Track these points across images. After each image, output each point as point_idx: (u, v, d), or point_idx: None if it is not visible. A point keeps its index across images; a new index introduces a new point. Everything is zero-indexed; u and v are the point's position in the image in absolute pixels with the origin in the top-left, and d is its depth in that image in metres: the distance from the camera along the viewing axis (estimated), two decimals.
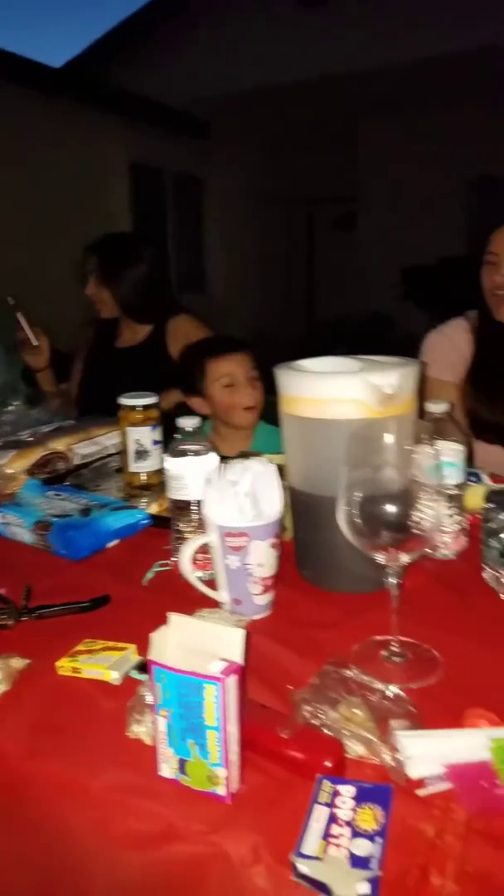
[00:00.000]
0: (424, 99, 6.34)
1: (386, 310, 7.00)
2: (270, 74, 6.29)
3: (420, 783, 0.58)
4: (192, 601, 0.85)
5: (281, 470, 0.92)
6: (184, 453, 0.93)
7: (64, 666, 0.74)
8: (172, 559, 0.97)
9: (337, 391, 0.83)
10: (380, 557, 0.72)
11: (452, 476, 0.96)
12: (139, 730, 0.64)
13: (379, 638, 0.77)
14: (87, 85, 6.24)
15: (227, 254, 7.76)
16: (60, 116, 5.55)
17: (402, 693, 0.65)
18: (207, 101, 6.70)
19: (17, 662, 0.74)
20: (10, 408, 1.52)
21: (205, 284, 7.71)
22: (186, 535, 0.93)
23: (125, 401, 1.24)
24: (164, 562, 0.99)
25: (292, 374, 0.88)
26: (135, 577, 0.97)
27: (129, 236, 2.43)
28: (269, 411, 0.95)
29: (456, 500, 0.98)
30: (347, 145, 7.35)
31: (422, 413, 0.95)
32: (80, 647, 0.77)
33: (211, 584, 0.88)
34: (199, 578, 0.88)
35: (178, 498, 0.95)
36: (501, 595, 0.84)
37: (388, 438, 0.70)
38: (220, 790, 0.57)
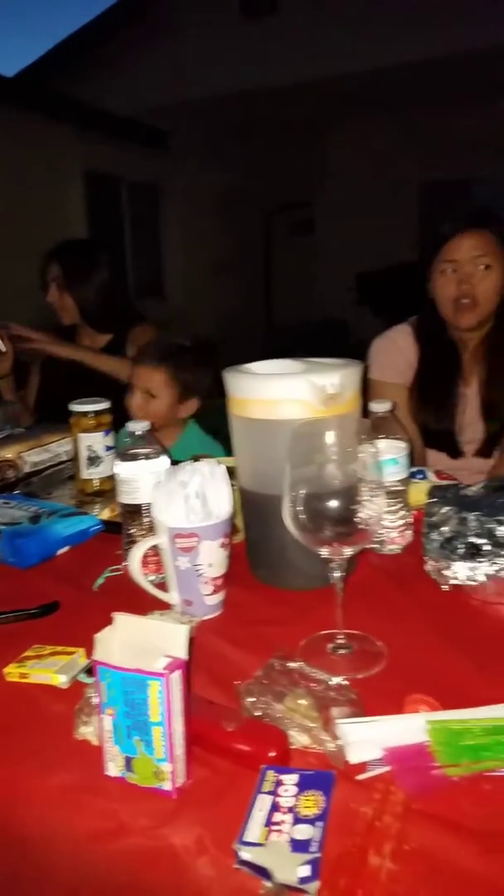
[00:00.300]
0: (378, 105, 6.48)
1: (342, 314, 7.11)
2: (222, 83, 6.36)
3: (362, 768, 0.59)
4: (144, 604, 0.86)
5: (232, 471, 0.94)
6: (134, 457, 0.94)
7: (11, 672, 0.74)
8: (124, 564, 0.97)
9: (282, 392, 0.85)
10: (324, 552, 0.74)
11: (396, 473, 0.99)
12: (86, 731, 0.64)
13: (325, 632, 0.79)
14: (40, 94, 6.20)
15: (185, 260, 7.79)
16: (14, 126, 5.50)
17: (344, 682, 0.67)
18: (162, 110, 6.74)
19: None
20: None
21: (164, 291, 7.71)
22: (137, 539, 0.94)
23: (77, 407, 1.24)
24: (116, 567, 0.99)
25: (239, 376, 0.90)
26: (86, 583, 0.97)
27: (89, 242, 2.43)
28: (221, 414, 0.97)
29: (401, 496, 1.00)
30: (303, 152, 7.46)
31: (365, 412, 0.98)
32: (28, 653, 0.77)
33: (162, 586, 0.88)
34: (151, 581, 0.89)
35: (129, 502, 0.95)
36: (443, 586, 0.87)
37: (330, 437, 0.72)
38: (166, 785, 0.58)
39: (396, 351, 1.62)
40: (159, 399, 1.74)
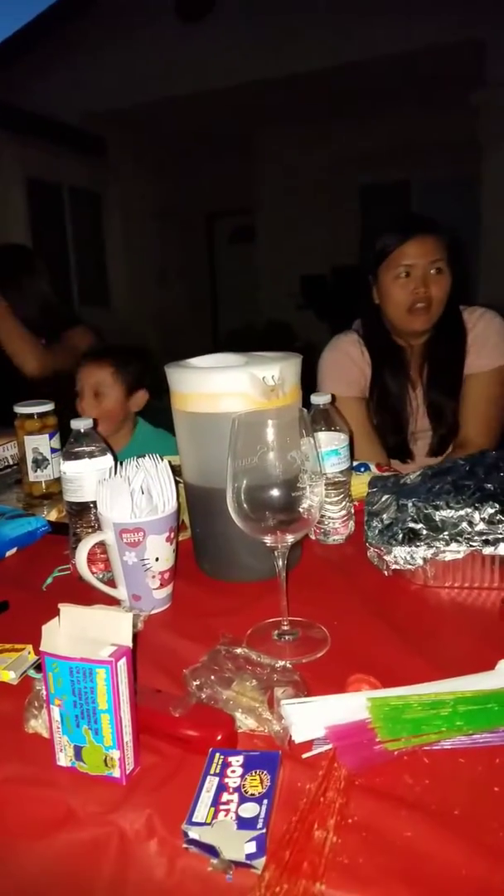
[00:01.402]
0: (314, 109, 6.59)
1: (285, 318, 7.19)
2: (159, 88, 6.37)
3: (307, 747, 0.61)
4: (92, 601, 0.84)
5: (177, 469, 0.95)
6: (78, 455, 0.94)
7: None
8: (72, 563, 0.97)
9: (223, 385, 0.87)
10: (268, 540, 0.75)
11: (337, 464, 1.02)
12: (36, 724, 0.64)
13: (271, 620, 0.81)
14: None
15: (129, 268, 7.74)
16: None
17: (289, 666, 0.69)
18: (99, 116, 6.70)
19: None
20: None
21: (109, 299, 7.64)
22: (84, 537, 0.94)
23: (21, 409, 1.23)
24: (64, 567, 0.99)
25: (180, 371, 0.91)
26: (34, 583, 0.97)
27: (23, 248, 2.39)
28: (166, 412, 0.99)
29: (343, 488, 1.03)
30: (242, 157, 7.52)
31: (307, 405, 1.00)
32: None
33: (111, 583, 0.89)
34: (99, 579, 0.89)
35: (75, 500, 0.95)
36: (384, 572, 0.90)
37: (271, 428, 0.74)
38: (115, 772, 0.59)
39: (347, 361, 1.61)
40: (108, 396, 1.76)
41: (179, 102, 6.45)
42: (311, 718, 0.62)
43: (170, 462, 0.90)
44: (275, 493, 0.73)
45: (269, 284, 7.85)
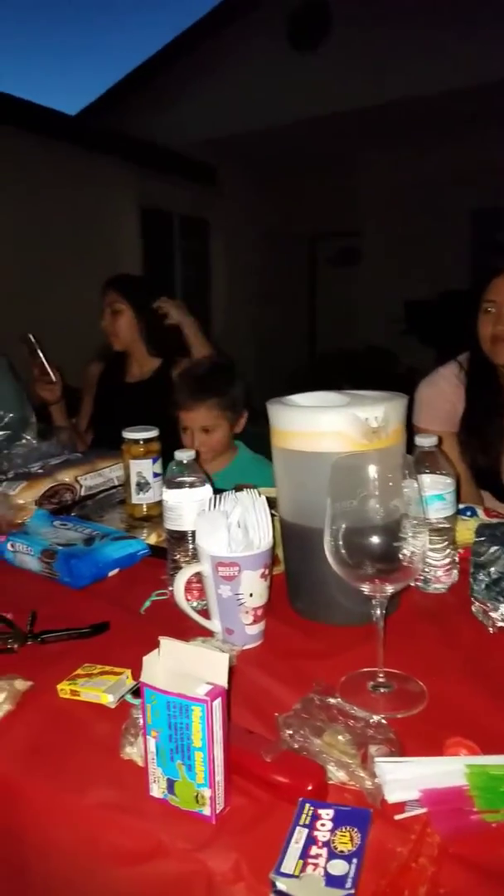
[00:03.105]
0: (424, 134, 6.53)
1: (386, 344, 7.08)
2: (268, 116, 6.52)
3: (399, 808, 0.60)
4: (187, 630, 0.88)
5: (273, 502, 0.96)
6: (180, 485, 0.97)
7: (64, 689, 0.77)
8: (169, 589, 1.00)
9: (324, 425, 0.87)
10: (365, 588, 0.74)
11: (442, 509, 0.99)
12: (131, 751, 0.66)
13: (366, 670, 0.79)
14: (100, 132, 6.48)
15: (230, 291, 7.93)
16: (76, 163, 5.75)
17: (383, 721, 0.67)
18: (209, 144, 6.94)
19: (21, 684, 0.77)
20: (22, 441, 1.57)
21: (210, 322, 7.86)
22: (182, 565, 0.97)
23: (128, 434, 1.28)
24: (161, 591, 1.02)
25: (282, 408, 0.92)
26: (133, 605, 1.00)
27: (145, 276, 2.63)
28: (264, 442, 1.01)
29: (447, 534, 1.00)
30: (348, 181, 7.54)
31: (410, 447, 0.98)
32: (79, 671, 0.80)
33: (205, 613, 0.91)
34: (194, 607, 0.91)
35: (174, 528, 0.98)
36: (489, 628, 0.86)
37: (372, 470, 0.73)
38: (206, 810, 0.60)
39: (440, 397, 1.61)
40: (217, 430, 1.81)
41: (286, 128, 6.58)
42: (405, 779, 0.61)
43: (266, 497, 0.91)
44: (375, 539, 0.72)
45: (371, 308, 7.78)
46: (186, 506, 0.97)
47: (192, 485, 0.98)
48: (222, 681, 0.60)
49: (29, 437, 1.59)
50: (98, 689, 0.75)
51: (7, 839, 0.65)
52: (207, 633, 0.88)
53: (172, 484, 0.99)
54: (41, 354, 2.04)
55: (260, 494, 0.91)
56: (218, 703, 0.59)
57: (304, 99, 6.38)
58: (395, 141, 6.82)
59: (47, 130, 5.54)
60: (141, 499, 1.29)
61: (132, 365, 2.31)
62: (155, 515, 1.27)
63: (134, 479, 1.28)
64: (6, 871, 0.65)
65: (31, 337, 2.02)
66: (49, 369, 2.06)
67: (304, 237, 8.50)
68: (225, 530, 0.86)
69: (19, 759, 0.67)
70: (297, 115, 6.44)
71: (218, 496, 0.92)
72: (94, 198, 5.95)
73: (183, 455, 0.99)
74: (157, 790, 0.62)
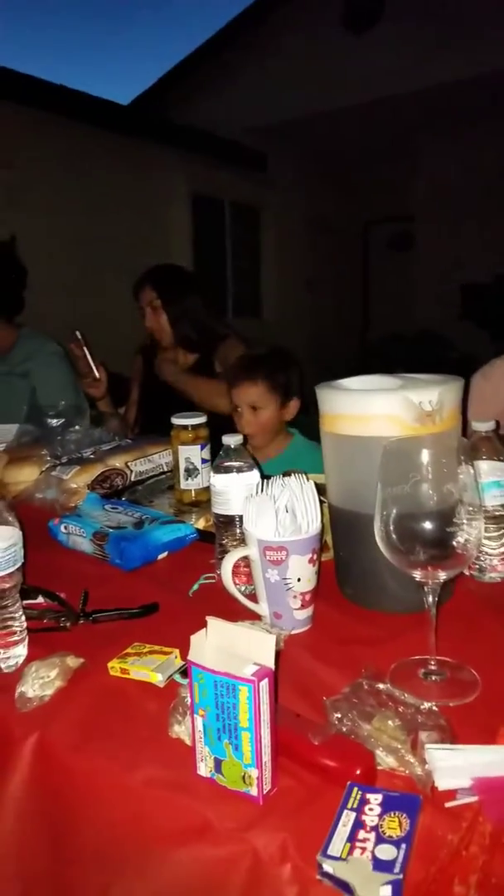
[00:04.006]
0: (479, 116, 6.31)
1: (440, 328, 6.92)
2: (322, 100, 6.41)
3: (450, 795, 0.58)
4: (235, 613, 0.88)
5: (322, 488, 0.95)
6: (227, 469, 0.97)
7: (114, 667, 0.78)
8: (217, 573, 1.01)
9: (375, 408, 0.85)
10: (417, 574, 0.73)
11: (499, 496, 0.96)
12: (179, 730, 0.67)
13: (418, 657, 0.77)
14: (152, 121, 6.52)
15: (281, 278, 7.88)
16: (128, 152, 5.82)
17: (435, 708, 0.66)
18: (261, 130, 6.88)
19: (73, 661, 0.78)
20: (76, 428, 1.61)
21: (260, 310, 7.83)
22: (229, 549, 0.97)
23: (177, 420, 1.29)
24: (209, 575, 1.03)
25: (331, 391, 0.90)
26: (182, 588, 1.01)
27: (180, 268, 2.53)
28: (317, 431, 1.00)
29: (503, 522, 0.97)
30: (403, 165, 7.37)
31: (466, 431, 0.96)
32: (129, 650, 0.81)
33: (253, 597, 0.91)
34: (242, 592, 0.91)
35: (222, 513, 0.99)
36: None
37: (425, 455, 0.71)
38: (253, 791, 0.60)
39: (492, 392, 1.56)
40: (265, 409, 1.81)
41: (340, 113, 6.47)
42: (457, 766, 0.59)
43: (315, 482, 0.90)
44: (427, 525, 0.70)
45: (426, 293, 7.61)
46: (234, 490, 0.97)
47: (239, 469, 0.98)
48: (269, 662, 0.60)
49: (82, 425, 1.62)
50: (147, 667, 0.76)
51: (59, 813, 0.67)
52: (255, 617, 0.89)
53: (220, 468, 0.99)
54: (87, 352, 2.03)
55: (308, 479, 0.90)
56: (265, 684, 0.59)
57: (357, 82, 6.25)
58: (451, 123, 6.63)
59: (100, 121, 5.61)
60: (189, 484, 1.30)
61: (176, 356, 2.28)
62: (203, 501, 1.28)
63: (182, 465, 1.29)
64: (59, 844, 0.67)
65: (77, 334, 2.01)
66: (93, 367, 2.05)
67: (358, 223, 8.37)
68: (272, 515, 0.86)
69: (70, 735, 0.69)
70: (351, 100, 6.32)
71: (266, 481, 0.91)
72: (146, 187, 6.01)
73: (231, 440, 0.99)
74: (204, 769, 0.62)
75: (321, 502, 0.90)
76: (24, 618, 0.82)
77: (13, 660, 0.79)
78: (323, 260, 8.14)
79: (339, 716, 0.63)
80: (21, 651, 0.80)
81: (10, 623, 0.79)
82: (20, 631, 0.81)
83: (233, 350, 2.18)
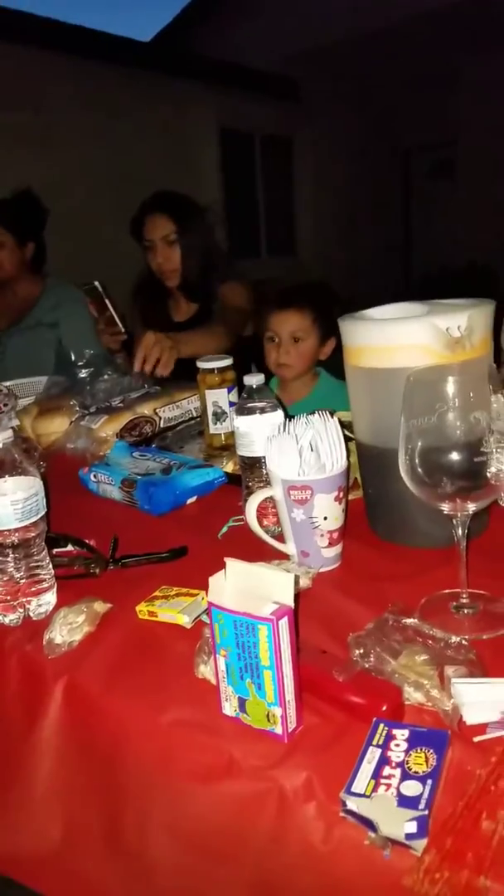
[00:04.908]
0: None
1: (485, 260, 6.59)
2: (354, 22, 6.01)
3: (480, 730, 0.57)
4: (264, 553, 0.87)
5: (349, 425, 0.92)
6: (251, 411, 0.95)
7: (142, 610, 0.78)
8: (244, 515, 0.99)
9: (400, 337, 0.80)
10: (445, 507, 0.70)
11: None
12: (205, 670, 0.67)
13: (448, 591, 0.75)
14: (177, 55, 6.26)
15: (317, 214, 7.59)
16: (151, 88, 5.63)
17: (465, 641, 0.64)
18: (292, 58, 6.52)
19: (100, 606, 0.79)
20: (104, 377, 1.60)
21: (295, 247, 7.60)
22: (255, 491, 0.95)
23: (202, 364, 1.26)
24: (238, 517, 1.01)
25: (354, 322, 0.86)
26: (211, 531, 1.01)
27: (191, 198, 2.14)
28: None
29: None
30: (444, 86, 6.90)
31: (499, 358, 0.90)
32: (157, 593, 0.81)
33: (280, 537, 0.89)
34: (270, 532, 0.90)
35: (247, 455, 0.97)
36: None
37: (451, 384, 0.67)
38: (277, 729, 0.59)
39: None
40: (306, 341, 1.74)
41: (375, 36, 6.06)
42: (487, 700, 0.57)
43: (340, 419, 0.87)
44: (454, 456, 0.66)
45: (471, 224, 7.23)
46: (258, 431, 0.94)
47: (262, 410, 0.95)
48: (288, 601, 0.58)
49: (110, 373, 1.60)
50: (174, 609, 0.76)
51: (90, 752, 0.68)
52: (284, 557, 0.87)
53: (243, 410, 0.96)
54: (109, 304, 1.89)
55: (333, 416, 0.86)
56: (284, 623, 0.57)
57: (392, 0, 5.82)
58: (493, 42, 6.13)
59: (124, 59, 5.43)
60: (218, 428, 1.27)
61: (180, 302, 2.09)
62: (233, 444, 1.26)
63: (210, 409, 1.27)
64: (87, 783, 0.68)
65: (97, 284, 1.87)
66: (116, 320, 1.91)
67: (397, 150, 7.94)
68: (296, 454, 0.83)
69: (100, 677, 0.69)
70: (385, 20, 5.90)
71: (289, 420, 0.88)
72: (172, 122, 5.83)
73: (252, 379, 0.96)
74: (229, 708, 0.62)
75: (349, 439, 0.87)
76: (51, 566, 0.83)
77: (43, 607, 0.80)
78: (362, 192, 7.79)
79: (361, 651, 0.61)
80: (50, 598, 0.81)
81: (37, 571, 0.80)
82: (48, 578, 0.81)
83: (236, 290, 2.01)
